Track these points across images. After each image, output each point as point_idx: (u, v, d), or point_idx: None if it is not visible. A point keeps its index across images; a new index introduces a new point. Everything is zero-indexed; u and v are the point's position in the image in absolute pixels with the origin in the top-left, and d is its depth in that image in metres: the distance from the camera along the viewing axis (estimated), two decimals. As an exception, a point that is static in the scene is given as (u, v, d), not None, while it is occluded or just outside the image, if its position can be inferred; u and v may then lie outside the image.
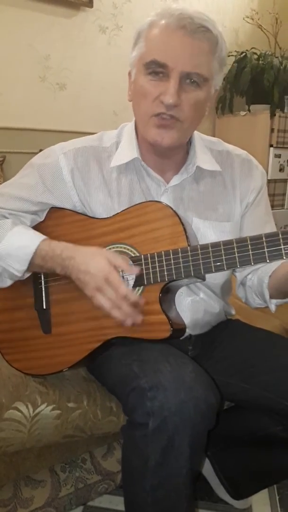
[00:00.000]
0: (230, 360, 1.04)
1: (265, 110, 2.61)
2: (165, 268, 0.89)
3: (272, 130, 2.59)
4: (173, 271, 0.88)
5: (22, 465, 1.07)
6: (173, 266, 0.88)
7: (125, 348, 0.93)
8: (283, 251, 0.82)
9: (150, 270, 0.90)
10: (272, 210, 1.15)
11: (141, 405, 0.79)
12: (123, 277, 0.96)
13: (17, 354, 1.02)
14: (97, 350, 0.95)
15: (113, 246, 0.95)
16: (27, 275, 0.98)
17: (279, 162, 2.65)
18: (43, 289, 1.00)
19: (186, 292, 1.03)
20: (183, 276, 0.88)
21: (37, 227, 1.02)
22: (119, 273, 0.87)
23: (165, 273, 0.89)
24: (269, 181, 2.63)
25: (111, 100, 2.37)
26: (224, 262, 0.85)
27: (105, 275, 0.85)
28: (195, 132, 1.03)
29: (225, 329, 1.12)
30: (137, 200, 0.98)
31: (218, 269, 0.86)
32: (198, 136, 1.05)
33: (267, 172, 2.56)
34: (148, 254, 0.91)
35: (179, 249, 0.88)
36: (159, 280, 0.90)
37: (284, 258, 0.82)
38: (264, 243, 0.83)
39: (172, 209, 0.91)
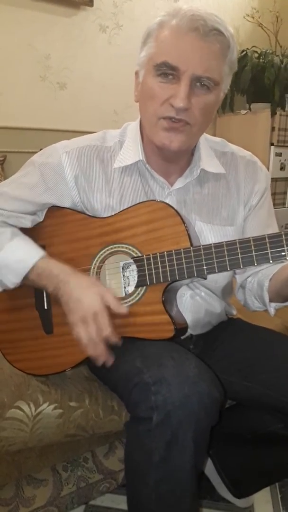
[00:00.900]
0: (231, 358, 1.04)
1: (266, 108, 2.60)
2: (167, 268, 0.89)
3: (273, 128, 2.59)
4: (176, 272, 0.88)
5: (24, 464, 1.07)
6: (176, 267, 0.88)
7: (128, 345, 0.93)
8: (286, 252, 0.81)
9: (153, 271, 0.90)
10: (273, 209, 1.14)
11: (145, 400, 0.79)
12: (123, 276, 0.96)
13: (18, 354, 1.02)
14: None
15: (114, 246, 0.95)
16: (17, 285, 0.97)
17: (280, 160, 2.65)
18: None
19: (188, 292, 1.02)
20: (186, 276, 0.88)
21: (38, 227, 1.02)
22: (107, 312, 0.86)
23: (168, 273, 0.89)
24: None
25: (111, 99, 2.37)
26: (227, 262, 0.85)
27: (95, 311, 0.85)
28: None
29: (226, 328, 1.12)
30: (139, 201, 0.96)
31: (221, 269, 0.86)
32: (203, 137, 1.03)
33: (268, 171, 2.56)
34: (151, 254, 0.90)
35: (182, 250, 0.88)
36: (161, 281, 0.90)
37: (287, 259, 0.82)
38: (268, 244, 0.83)
39: (174, 208, 0.90)
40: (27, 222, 1.00)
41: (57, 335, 0.98)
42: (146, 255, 0.91)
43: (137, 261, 0.92)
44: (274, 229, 1.10)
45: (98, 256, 0.96)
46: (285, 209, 2.75)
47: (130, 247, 0.93)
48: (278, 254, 0.82)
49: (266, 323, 1.27)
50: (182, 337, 1.02)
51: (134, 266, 0.93)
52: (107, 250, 0.95)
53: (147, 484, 0.82)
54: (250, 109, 2.69)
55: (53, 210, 1.01)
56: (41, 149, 1.04)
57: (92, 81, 2.32)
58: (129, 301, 0.93)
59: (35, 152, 1.05)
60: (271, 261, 0.83)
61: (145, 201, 0.94)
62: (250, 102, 2.69)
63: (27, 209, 0.99)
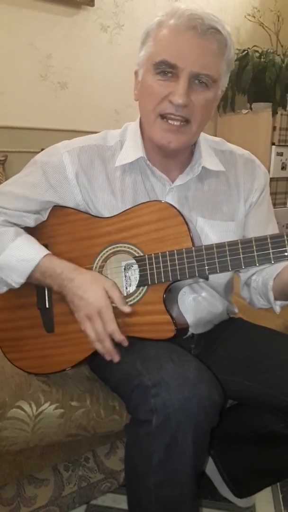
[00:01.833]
0: (233, 358, 1.04)
1: (267, 108, 2.60)
2: (169, 268, 0.89)
3: (274, 128, 2.59)
4: (178, 271, 0.88)
5: (26, 464, 1.07)
6: (177, 267, 0.88)
7: (128, 346, 0.93)
8: None
9: (155, 270, 0.90)
10: (274, 208, 1.16)
11: (144, 402, 0.79)
12: (125, 276, 0.96)
13: (19, 353, 1.02)
14: None
15: (117, 245, 0.95)
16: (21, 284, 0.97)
17: (281, 160, 2.65)
18: (46, 287, 1.00)
19: (189, 291, 1.03)
20: (187, 276, 0.88)
21: (40, 226, 1.02)
22: (112, 308, 0.88)
23: (170, 273, 0.89)
24: (271, 180, 2.62)
25: (112, 99, 2.37)
26: (229, 262, 0.85)
27: (99, 307, 0.87)
28: None
29: (227, 327, 1.12)
30: (141, 199, 0.98)
31: (223, 269, 0.86)
32: (202, 136, 1.04)
33: (268, 171, 2.54)
34: (152, 254, 0.91)
35: (184, 249, 0.88)
36: (163, 280, 0.90)
37: None
38: (269, 244, 0.83)
39: (176, 208, 0.91)
40: (30, 221, 1.00)
41: (58, 334, 0.98)
42: (148, 255, 0.91)
43: (139, 260, 0.92)
44: (274, 224, 1.12)
45: (100, 255, 0.96)
46: (286, 209, 2.75)
47: (132, 247, 0.93)
48: (280, 255, 0.82)
49: (267, 322, 1.27)
50: (184, 337, 1.02)
51: (136, 266, 0.93)
52: (110, 249, 0.95)
53: (147, 487, 0.82)
54: (251, 108, 2.69)
55: (56, 209, 1.01)
56: (42, 149, 1.05)
57: (93, 81, 2.32)
58: (130, 301, 0.93)
59: (37, 152, 1.06)
60: (272, 262, 0.83)
61: (147, 201, 0.94)
62: (251, 102, 2.68)
63: (30, 208, 0.99)
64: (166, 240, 0.90)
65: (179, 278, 0.89)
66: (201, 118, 0.92)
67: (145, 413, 0.79)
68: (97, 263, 0.96)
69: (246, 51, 2.62)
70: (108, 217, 0.97)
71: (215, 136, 1.11)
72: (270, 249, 0.83)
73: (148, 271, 0.91)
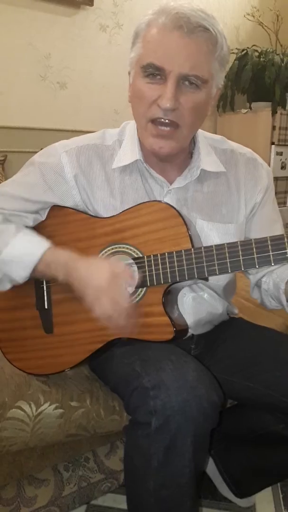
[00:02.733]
0: (233, 358, 1.03)
1: (267, 107, 2.60)
2: (168, 270, 0.88)
3: (273, 127, 2.59)
4: (177, 273, 0.87)
5: (25, 464, 1.07)
6: (176, 268, 0.87)
7: (127, 347, 0.93)
8: None
9: (153, 272, 0.89)
10: (277, 203, 1.14)
11: (143, 404, 0.79)
12: None
13: (18, 354, 1.02)
14: (99, 350, 0.95)
15: (116, 246, 0.94)
16: (26, 279, 0.97)
17: (280, 159, 2.64)
18: (45, 288, 1.00)
19: (189, 292, 1.02)
20: (186, 278, 0.87)
21: (39, 226, 1.01)
22: (120, 285, 0.85)
23: (169, 275, 0.88)
24: (270, 179, 2.62)
25: (112, 99, 2.37)
26: (229, 264, 0.84)
27: (103, 287, 0.84)
28: (199, 131, 1.01)
29: (228, 327, 1.11)
30: (140, 200, 0.96)
31: (222, 271, 0.85)
32: (202, 135, 1.03)
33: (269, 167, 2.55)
34: (152, 256, 0.90)
35: (183, 251, 0.87)
36: (162, 282, 0.89)
37: None
38: (269, 246, 0.82)
39: (175, 209, 0.90)
40: (29, 221, 1.00)
41: (57, 335, 0.98)
42: (147, 256, 0.91)
43: (138, 262, 0.92)
44: (280, 224, 1.10)
45: (99, 256, 0.96)
46: (286, 208, 2.75)
47: (131, 248, 0.93)
48: (280, 257, 0.81)
49: (268, 322, 1.27)
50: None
51: (135, 267, 0.93)
52: (108, 250, 0.95)
53: (146, 489, 0.82)
54: (250, 108, 2.69)
55: (55, 209, 1.01)
56: (41, 149, 1.04)
57: (92, 81, 2.32)
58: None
59: (36, 152, 1.05)
60: (272, 264, 0.82)
61: (147, 202, 0.93)
62: (250, 101, 2.69)
63: (28, 208, 0.99)
64: (165, 241, 0.90)
65: (178, 279, 0.88)
66: (191, 121, 0.89)
67: (145, 415, 0.79)
68: None
69: (245, 51, 2.62)
70: (107, 217, 0.96)
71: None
72: (270, 251, 0.81)
73: (147, 272, 0.90)
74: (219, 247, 0.85)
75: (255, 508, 1.25)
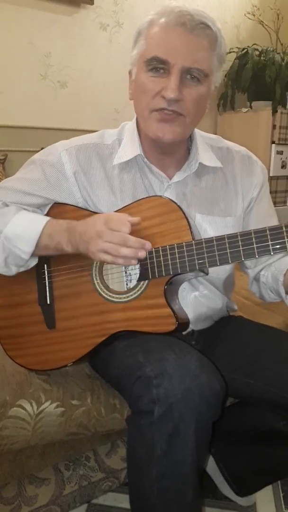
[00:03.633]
0: (233, 355, 1.04)
1: (267, 106, 2.60)
2: (169, 262, 0.89)
3: (274, 126, 2.59)
4: (178, 265, 0.89)
5: (26, 463, 1.07)
6: (177, 260, 0.89)
7: (129, 340, 0.94)
8: (287, 244, 0.83)
9: (155, 264, 0.90)
10: (274, 207, 1.17)
11: (146, 393, 0.79)
12: (125, 272, 0.96)
13: (20, 350, 1.02)
14: (102, 344, 0.96)
15: None
16: (33, 263, 0.98)
17: (281, 159, 2.64)
18: (47, 284, 1.00)
19: (189, 287, 1.03)
20: (187, 269, 0.88)
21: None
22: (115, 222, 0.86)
23: (170, 267, 0.89)
24: (271, 178, 2.62)
25: (112, 98, 2.37)
26: (229, 255, 0.86)
27: (99, 229, 0.85)
28: (195, 130, 1.04)
29: (227, 325, 1.12)
30: (140, 196, 0.98)
31: (223, 262, 0.86)
32: (198, 134, 1.06)
33: (268, 170, 2.56)
34: (153, 248, 0.91)
35: (184, 243, 0.88)
36: (164, 274, 0.90)
37: None
38: (268, 236, 0.84)
39: (176, 203, 0.91)
40: None
41: (59, 330, 0.99)
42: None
43: None
44: (276, 218, 1.13)
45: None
46: (286, 208, 2.74)
47: None
48: (279, 246, 0.83)
49: (268, 321, 1.27)
50: (184, 333, 1.02)
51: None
52: None
53: (149, 478, 0.82)
54: (251, 107, 2.69)
55: (56, 206, 1.02)
56: (42, 148, 1.06)
57: (92, 80, 2.32)
58: (131, 295, 0.93)
59: (36, 151, 1.07)
60: (272, 253, 0.84)
61: (147, 197, 0.95)
62: (251, 100, 2.68)
63: (30, 201, 1.00)
64: (166, 235, 0.91)
65: (179, 271, 0.89)
66: (194, 113, 0.93)
67: (147, 403, 0.79)
68: None
69: (246, 50, 2.62)
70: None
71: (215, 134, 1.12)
72: (269, 240, 0.84)
73: (149, 265, 0.91)
74: (219, 238, 0.87)
75: (255, 507, 1.25)
